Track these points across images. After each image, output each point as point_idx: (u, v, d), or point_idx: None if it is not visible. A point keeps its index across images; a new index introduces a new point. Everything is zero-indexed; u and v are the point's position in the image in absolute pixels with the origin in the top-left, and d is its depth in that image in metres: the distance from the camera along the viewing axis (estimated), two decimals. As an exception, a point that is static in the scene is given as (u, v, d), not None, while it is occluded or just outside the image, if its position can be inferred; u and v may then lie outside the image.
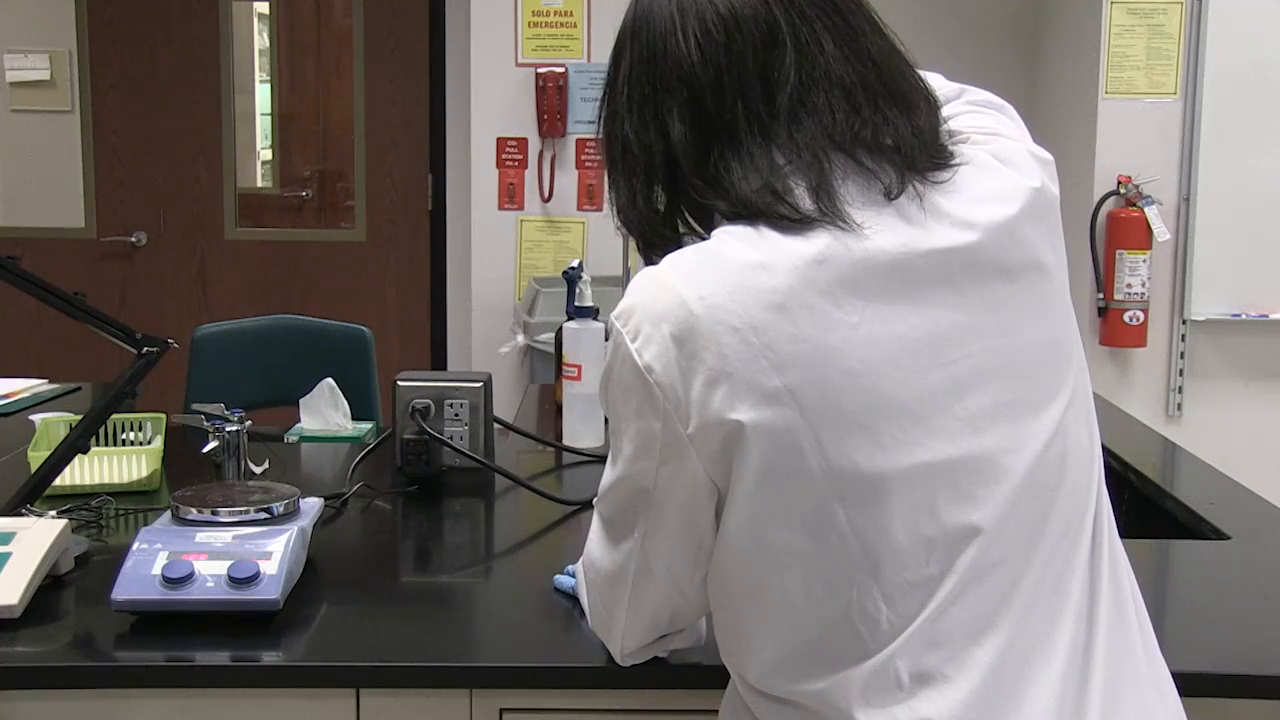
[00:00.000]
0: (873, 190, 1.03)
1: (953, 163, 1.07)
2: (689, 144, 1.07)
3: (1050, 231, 1.12)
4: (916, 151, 1.05)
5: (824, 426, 0.97)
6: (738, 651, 1.08)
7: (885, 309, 1.00)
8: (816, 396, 0.97)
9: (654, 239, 1.13)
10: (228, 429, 1.92)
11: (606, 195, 1.19)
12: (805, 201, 1.02)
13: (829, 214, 1.01)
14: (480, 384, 2.01)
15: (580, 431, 2.23)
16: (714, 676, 1.18)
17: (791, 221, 1.01)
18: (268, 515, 1.50)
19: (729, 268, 1.01)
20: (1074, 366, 1.08)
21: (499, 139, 4.01)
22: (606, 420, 1.30)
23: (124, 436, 2.02)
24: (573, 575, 1.44)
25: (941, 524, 0.99)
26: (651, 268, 1.06)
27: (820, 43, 1.06)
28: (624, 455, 1.07)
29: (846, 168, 1.04)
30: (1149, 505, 2.03)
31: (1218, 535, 1.79)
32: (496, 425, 2.06)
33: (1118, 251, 3.78)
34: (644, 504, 1.06)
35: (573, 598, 1.44)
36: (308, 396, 2.40)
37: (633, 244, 1.51)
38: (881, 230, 1.01)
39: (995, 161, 1.10)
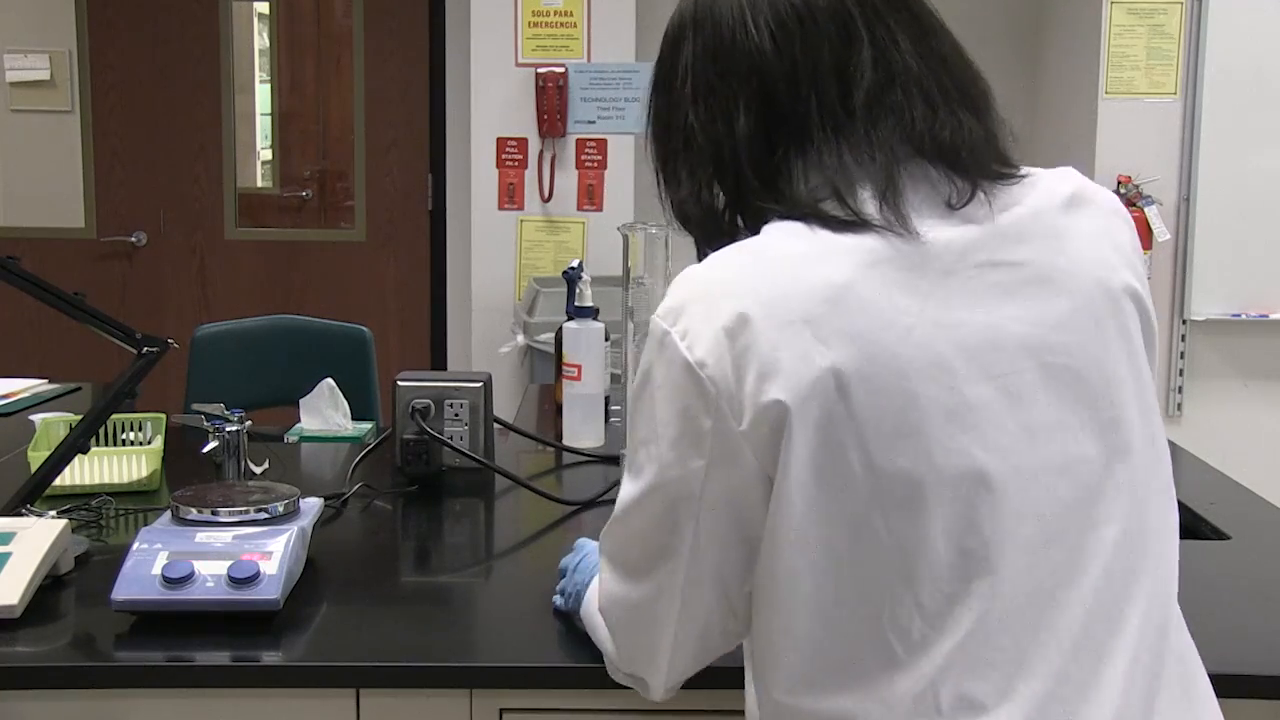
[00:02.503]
0: (940, 195, 1.03)
1: (1019, 173, 1.07)
2: (754, 138, 1.05)
3: (1127, 262, 1.09)
4: (987, 157, 1.05)
5: (869, 424, 0.95)
6: (766, 661, 1.04)
7: (941, 312, 0.98)
8: (864, 393, 0.94)
9: (714, 234, 1.09)
10: (228, 429, 1.92)
11: (659, 189, 1.15)
12: (868, 205, 1.01)
13: (891, 220, 1.00)
14: (480, 384, 2.01)
15: (580, 431, 2.23)
16: (715, 676, 1.17)
17: (847, 223, 1.00)
18: (268, 515, 1.50)
19: (781, 262, 1.00)
20: (1148, 406, 1.05)
21: (499, 139, 4.01)
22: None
23: (124, 436, 2.02)
24: (562, 593, 1.41)
25: (983, 538, 0.96)
26: (695, 266, 1.04)
27: (895, 39, 1.05)
28: (660, 463, 1.02)
29: (917, 173, 1.03)
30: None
31: (1218, 535, 1.79)
32: (496, 425, 2.06)
33: (1118, 251, 3.78)
34: (689, 512, 1.02)
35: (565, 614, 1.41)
36: (308, 396, 2.40)
37: (633, 244, 1.51)
38: (943, 235, 1.00)
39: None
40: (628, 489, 1.07)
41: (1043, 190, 1.07)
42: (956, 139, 1.04)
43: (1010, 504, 0.96)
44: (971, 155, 1.04)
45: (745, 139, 1.05)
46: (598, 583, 1.19)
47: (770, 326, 0.96)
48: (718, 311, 0.98)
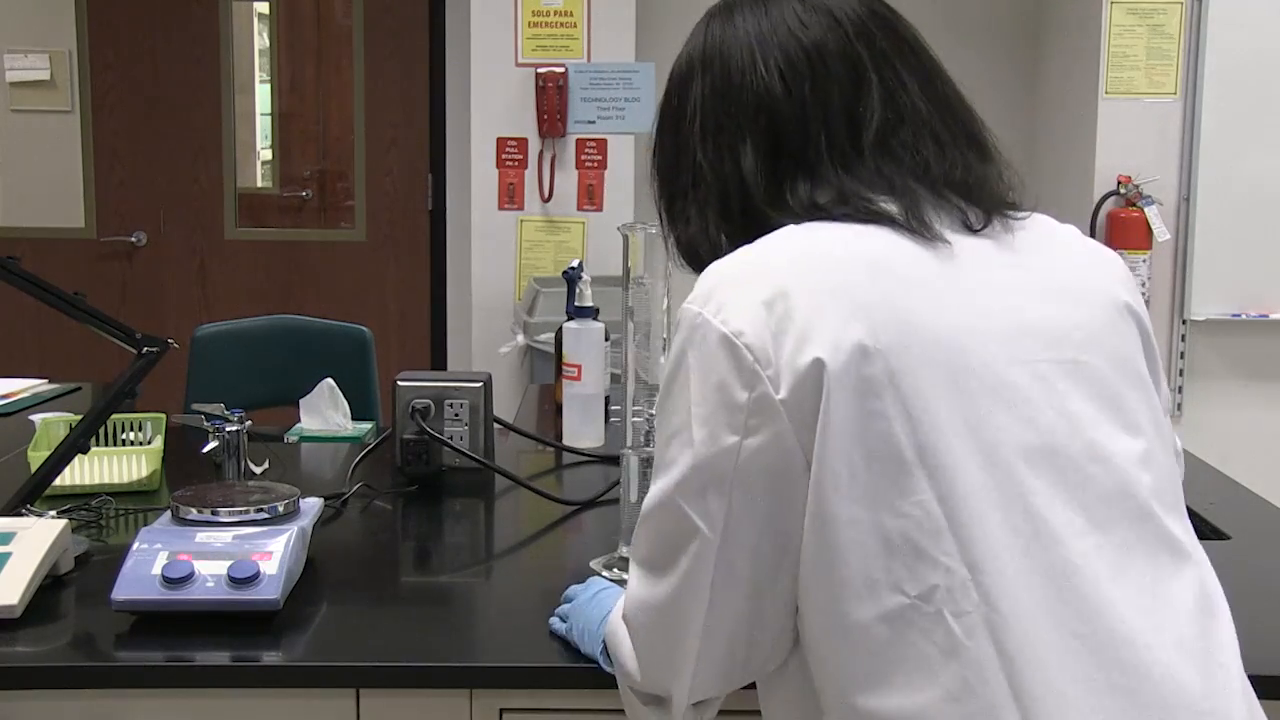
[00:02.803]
0: (957, 219, 1.05)
1: (1024, 214, 1.10)
2: (761, 173, 1.06)
3: (1128, 288, 1.11)
4: (998, 195, 1.08)
5: (911, 394, 0.94)
6: (826, 665, 0.98)
7: (969, 297, 1.00)
8: (904, 362, 0.94)
9: None
10: (228, 429, 1.92)
11: (662, 227, 1.16)
12: (889, 207, 1.03)
13: (913, 222, 1.01)
14: (480, 384, 2.01)
15: (580, 431, 2.23)
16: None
17: (869, 215, 1.02)
18: (268, 515, 1.50)
19: (810, 241, 1.01)
20: (1160, 420, 1.07)
21: (499, 139, 4.01)
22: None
23: (124, 436, 2.02)
24: (563, 618, 1.38)
25: (1033, 517, 0.94)
26: (718, 261, 1.04)
27: (903, 82, 1.07)
28: (693, 447, 0.99)
29: (933, 201, 1.05)
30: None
31: (1218, 535, 1.79)
32: (496, 425, 2.06)
33: (1118, 251, 3.78)
34: (720, 491, 0.98)
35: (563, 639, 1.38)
36: (308, 396, 2.40)
37: (633, 244, 1.51)
38: (964, 241, 1.03)
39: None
40: (657, 485, 1.04)
41: (1046, 224, 1.12)
42: (968, 176, 1.06)
43: (1057, 485, 0.96)
44: (984, 190, 1.07)
45: (752, 175, 1.06)
46: (623, 598, 1.15)
47: (807, 295, 0.96)
48: (753, 288, 0.98)
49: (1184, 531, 1.03)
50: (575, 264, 2.49)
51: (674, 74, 1.16)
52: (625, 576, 1.54)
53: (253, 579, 1.38)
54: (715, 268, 1.03)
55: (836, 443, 0.94)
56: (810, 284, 0.97)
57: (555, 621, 1.40)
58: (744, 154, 1.07)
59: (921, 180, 1.05)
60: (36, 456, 1.83)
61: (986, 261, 1.04)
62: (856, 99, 1.06)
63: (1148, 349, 1.09)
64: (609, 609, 1.30)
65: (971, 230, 1.05)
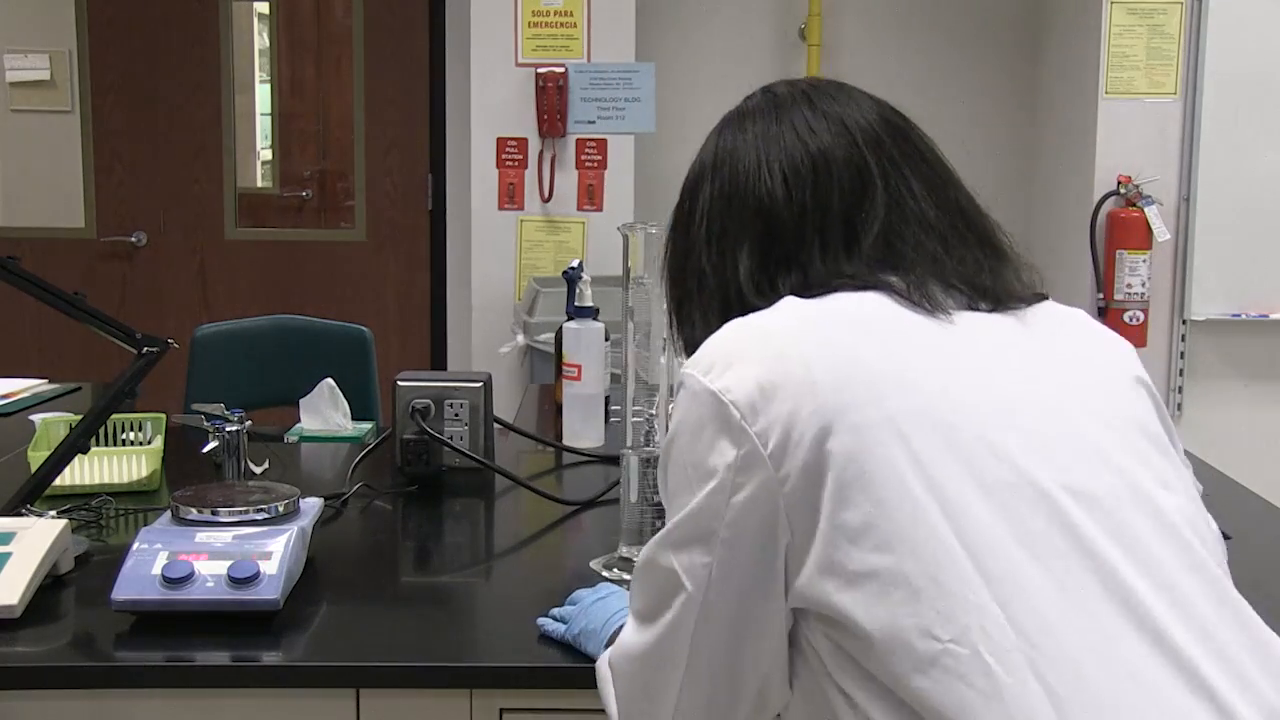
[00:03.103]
0: (964, 302, 1.05)
1: (1038, 299, 1.10)
2: (754, 277, 1.08)
3: (1138, 365, 1.11)
4: (1014, 290, 1.07)
5: (914, 442, 0.93)
6: None
7: (972, 358, 1.00)
8: (905, 413, 0.93)
9: None
10: (228, 429, 1.92)
11: (671, 326, 1.19)
12: (890, 278, 1.04)
13: (915, 295, 1.02)
14: (480, 384, 2.01)
15: (580, 431, 2.23)
16: None
17: (868, 285, 1.03)
18: (268, 515, 1.50)
19: (807, 303, 1.02)
20: (1189, 486, 1.05)
21: (499, 139, 4.01)
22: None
23: (124, 436, 2.02)
24: (557, 619, 1.38)
25: (1086, 549, 0.92)
26: (720, 330, 1.05)
27: (910, 188, 1.08)
28: (684, 503, 1.00)
29: (941, 287, 1.05)
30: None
31: (1218, 535, 1.79)
32: (496, 425, 2.06)
33: (1118, 251, 3.78)
34: (708, 547, 0.98)
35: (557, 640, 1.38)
36: (308, 396, 2.40)
37: (633, 244, 1.51)
38: (970, 315, 1.04)
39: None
40: (652, 539, 1.05)
41: (1056, 307, 1.12)
42: (980, 272, 1.07)
43: (1090, 520, 0.94)
44: (998, 284, 1.07)
45: (747, 277, 1.08)
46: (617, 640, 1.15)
47: (798, 354, 0.97)
48: (745, 350, 0.99)
49: (1224, 574, 1.01)
50: (575, 264, 2.49)
51: (687, 179, 1.18)
52: (626, 576, 1.55)
53: (253, 579, 1.38)
54: (713, 336, 1.04)
55: (843, 494, 0.92)
56: (801, 343, 0.98)
57: (548, 623, 1.39)
58: (742, 258, 1.09)
59: (928, 270, 1.05)
60: (36, 456, 1.83)
61: (989, 328, 1.04)
62: (859, 205, 1.07)
63: (1164, 422, 1.08)
64: (615, 610, 1.31)
65: (976, 310, 1.05)
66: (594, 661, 1.29)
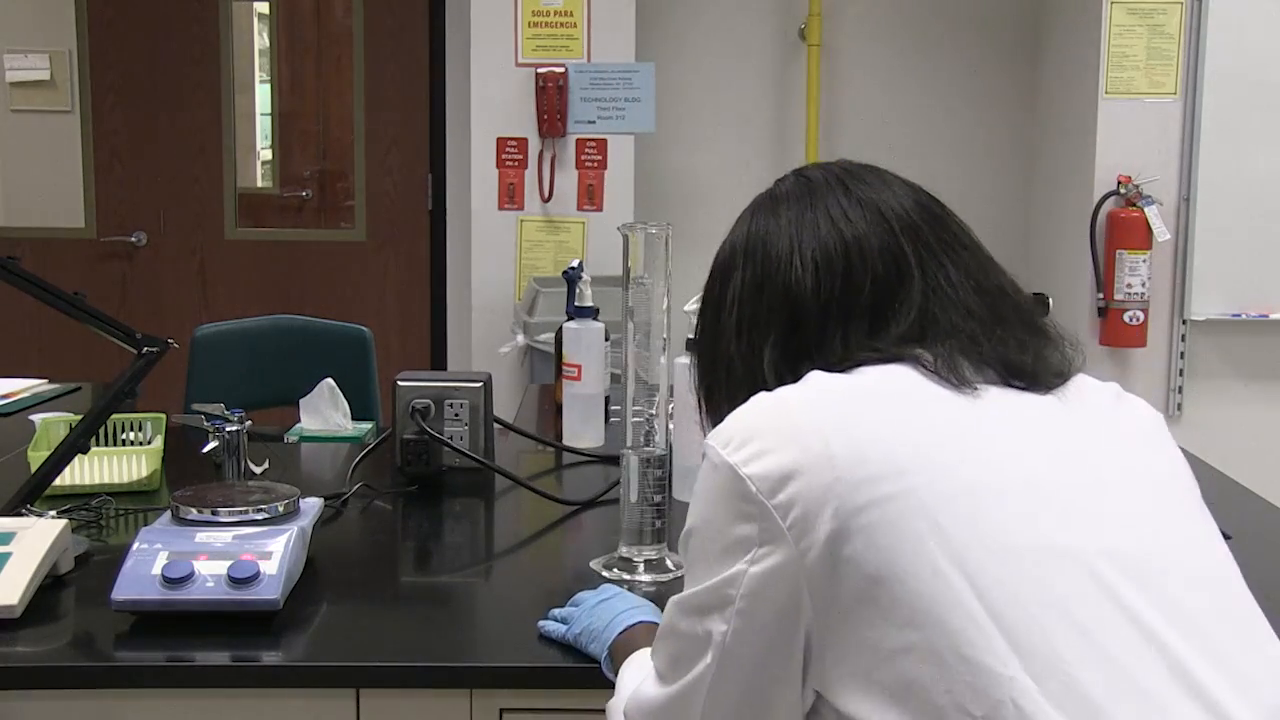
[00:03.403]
0: (996, 378, 1.04)
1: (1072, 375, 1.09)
2: (778, 368, 1.07)
3: (1171, 440, 1.12)
4: (1050, 368, 1.06)
5: (940, 509, 0.91)
6: None
7: (1000, 430, 0.99)
8: (927, 485, 0.92)
9: None
10: (228, 429, 1.92)
11: (700, 412, 1.19)
12: (920, 354, 1.03)
13: (942, 370, 1.01)
14: (480, 384, 2.01)
15: (580, 431, 2.23)
16: None
17: (895, 358, 1.02)
18: (268, 515, 1.50)
19: (831, 377, 1.01)
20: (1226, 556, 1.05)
21: (499, 139, 4.01)
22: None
23: (124, 436, 2.02)
24: (558, 620, 1.39)
25: (1105, 607, 0.90)
26: (743, 406, 1.04)
27: (949, 276, 1.07)
28: (703, 571, 0.99)
29: (974, 362, 1.03)
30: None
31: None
32: (496, 425, 2.06)
33: (1118, 251, 3.78)
34: (724, 616, 0.97)
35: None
36: (308, 396, 2.40)
37: (633, 244, 1.51)
38: (999, 391, 1.02)
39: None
40: (673, 599, 1.05)
41: (1088, 379, 1.11)
42: (1017, 350, 1.05)
43: (1136, 586, 0.93)
44: (1034, 359, 1.05)
45: (771, 368, 1.07)
46: (631, 688, 1.14)
47: (817, 427, 0.96)
48: (765, 423, 0.98)
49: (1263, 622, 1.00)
50: (575, 264, 2.49)
51: (718, 261, 1.17)
52: (625, 576, 1.55)
53: (253, 579, 1.38)
54: (735, 415, 1.03)
55: (865, 571, 0.91)
56: (820, 417, 0.96)
57: (549, 624, 1.39)
58: (768, 349, 1.08)
59: (960, 347, 1.03)
60: (36, 456, 1.83)
61: (1018, 403, 1.02)
62: (895, 293, 1.06)
63: (1191, 481, 1.08)
64: (620, 611, 1.31)
65: (1010, 387, 1.03)
66: (595, 662, 1.30)
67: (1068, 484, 0.97)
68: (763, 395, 1.02)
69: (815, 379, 1.02)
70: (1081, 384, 1.09)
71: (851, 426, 0.96)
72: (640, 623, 1.30)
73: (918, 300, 1.05)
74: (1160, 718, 0.88)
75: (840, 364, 1.04)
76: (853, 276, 1.06)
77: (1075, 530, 0.94)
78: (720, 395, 1.13)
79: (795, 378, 1.04)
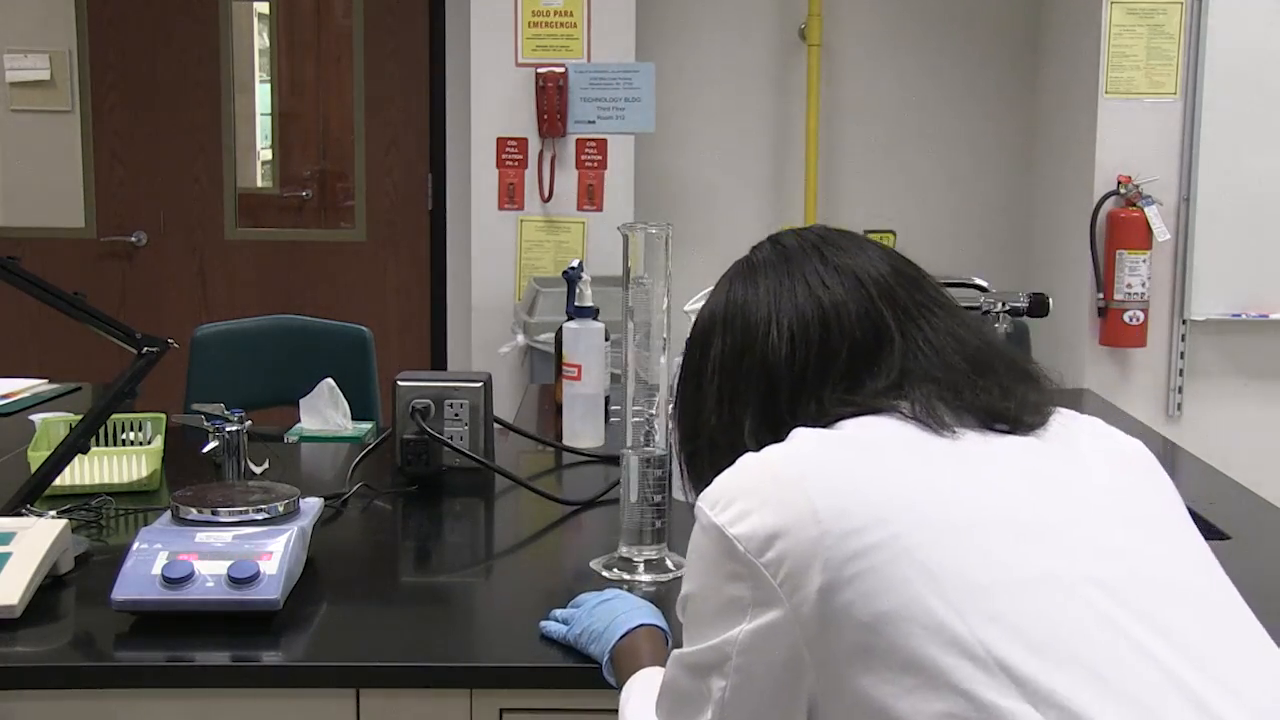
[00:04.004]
0: (977, 423, 1.04)
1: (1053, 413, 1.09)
2: (758, 436, 1.07)
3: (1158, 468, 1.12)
4: (1033, 410, 1.06)
5: (926, 552, 0.92)
6: None
7: (981, 468, 1.00)
8: (914, 532, 0.93)
9: None
10: (228, 429, 1.92)
11: (683, 479, 1.20)
12: (899, 404, 1.03)
13: (922, 416, 1.01)
14: (480, 384, 2.01)
15: (580, 431, 2.23)
16: None
17: (874, 410, 1.03)
18: (268, 515, 1.50)
19: (813, 432, 1.02)
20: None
21: (499, 139, 4.01)
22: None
23: (124, 436, 2.02)
24: (561, 621, 1.39)
25: (1101, 632, 0.91)
26: (730, 469, 1.04)
27: (927, 337, 1.08)
28: (699, 631, 1.00)
29: (953, 408, 1.04)
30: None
31: (1218, 535, 1.79)
32: (496, 425, 2.06)
33: (1118, 251, 3.78)
34: (722, 673, 0.98)
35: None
36: (308, 396, 2.40)
37: (633, 244, 1.51)
38: (980, 436, 1.03)
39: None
40: (675, 652, 1.05)
41: (1070, 414, 1.11)
42: (999, 398, 1.05)
43: (1127, 609, 0.93)
44: (1016, 405, 1.06)
45: (751, 436, 1.08)
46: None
47: (801, 484, 0.96)
48: (751, 483, 0.99)
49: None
50: (575, 264, 2.49)
51: (697, 328, 1.18)
52: (626, 576, 1.55)
53: (253, 579, 1.38)
54: (723, 476, 1.03)
55: (861, 621, 0.91)
56: (803, 472, 0.97)
57: (550, 625, 1.40)
58: (747, 418, 1.09)
59: (938, 395, 1.04)
60: (36, 456, 1.83)
61: (999, 443, 1.03)
62: (874, 358, 1.07)
63: (1178, 503, 1.09)
64: (621, 612, 1.32)
65: (991, 430, 1.04)
66: (596, 663, 1.30)
67: (1051, 514, 0.98)
68: (748, 456, 1.03)
69: (797, 435, 1.03)
70: (1063, 419, 1.09)
71: (833, 479, 0.96)
72: (641, 625, 1.30)
73: (899, 361, 1.06)
74: None
75: (818, 420, 1.05)
76: (829, 343, 1.08)
77: (1060, 557, 0.95)
78: (703, 462, 1.14)
79: (777, 440, 1.04)
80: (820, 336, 1.08)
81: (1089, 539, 0.98)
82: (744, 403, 1.10)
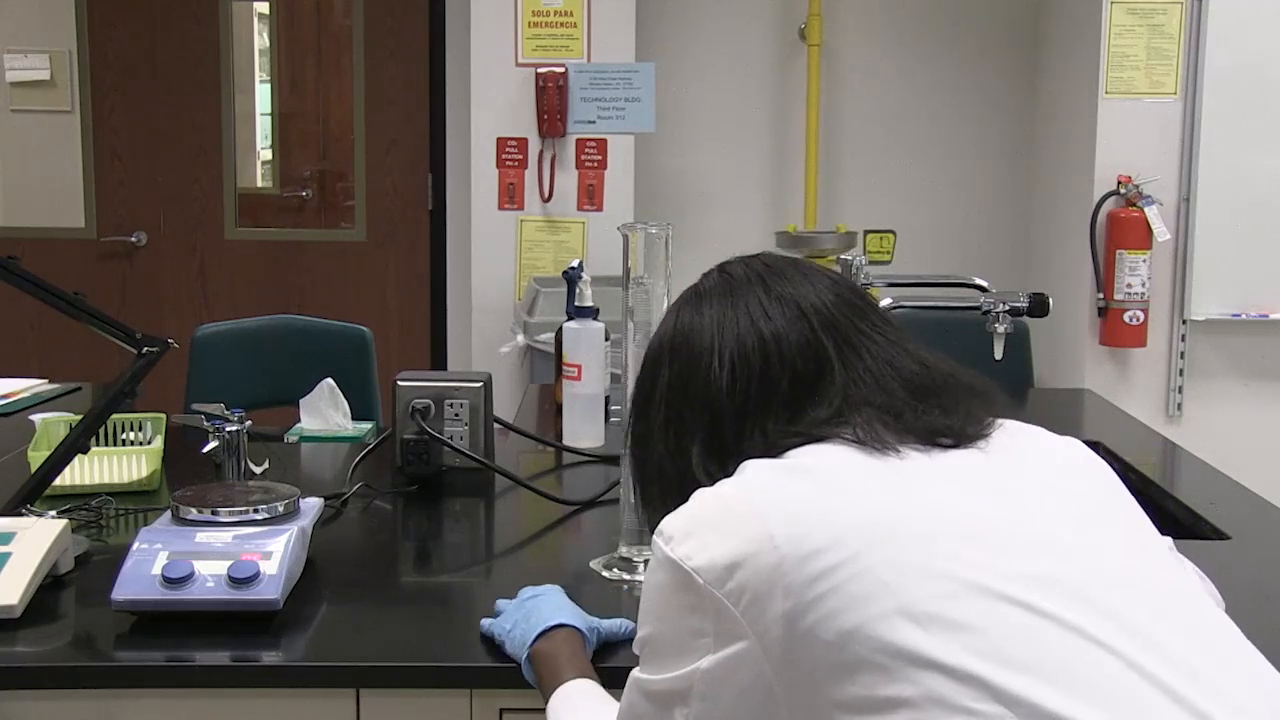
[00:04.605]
0: (922, 443, 1.05)
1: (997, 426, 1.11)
2: (706, 467, 1.09)
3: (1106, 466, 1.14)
4: (975, 422, 1.08)
5: (887, 566, 0.93)
6: None
7: (930, 483, 1.01)
8: (870, 545, 0.94)
9: None
10: (228, 429, 1.92)
11: (636, 504, 1.21)
12: (840, 430, 1.04)
13: (864, 437, 1.03)
14: (480, 384, 2.01)
15: (580, 431, 2.23)
16: None
17: (817, 438, 1.04)
18: (268, 515, 1.50)
19: (761, 465, 1.03)
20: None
21: (499, 139, 4.01)
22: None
23: (124, 436, 2.03)
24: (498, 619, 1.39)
25: (1059, 632, 0.92)
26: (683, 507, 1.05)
27: (868, 366, 1.09)
28: (662, 673, 1.01)
29: (896, 431, 1.05)
30: (1149, 505, 2.03)
31: (1218, 535, 1.79)
32: (496, 425, 2.06)
33: (1118, 251, 3.78)
34: (686, 703, 0.99)
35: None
36: (308, 396, 2.40)
37: (633, 244, 1.51)
38: (924, 453, 1.04)
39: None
40: (633, 676, 1.06)
41: (1011, 424, 1.12)
42: (939, 416, 1.07)
43: (1084, 606, 0.95)
44: (959, 420, 1.07)
45: (699, 466, 1.09)
46: None
47: (757, 515, 0.97)
48: (707, 516, 1.00)
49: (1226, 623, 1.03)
50: (575, 264, 2.49)
51: (648, 353, 1.19)
52: (625, 576, 1.55)
53: (253, 579, 1.38)
54: (680, 508, 1.04)
55: (827, 644, 0.92)
56: (756, 502, 0.98)
57: (486, 620, 1.39)
58: (694, 448, 1.11)
59: (878, 419, 1.05)
60: (36, 456, 1.83)
61: (943, 458, 1.04)
62: (814, 387, 1.08)
63: (1125, 494, 1.11)
64: (545, 619, 1.31)
65: (935, 447, 1.05)
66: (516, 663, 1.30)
67: (1004, 520, 0.99)
68: (702, 490, 1.04)
69: (749, 467, 1.04)
70: (1007, 430, 1.11)
71: (788, 506, 0.97)
72: (560, 626, 1.30)
73: (840, 390, 1.07)
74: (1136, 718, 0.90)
75: (765, 452, 1.06)
76: (769, 374, 1.09)
77: (1016, 560, 0.96)
78: (654, 492, 1.16)
79: (724, 473, 1.05)
80: (761, 367, 1.09)
81: (1043, 541, 0.99)
82: (690, 432, 1.11)
